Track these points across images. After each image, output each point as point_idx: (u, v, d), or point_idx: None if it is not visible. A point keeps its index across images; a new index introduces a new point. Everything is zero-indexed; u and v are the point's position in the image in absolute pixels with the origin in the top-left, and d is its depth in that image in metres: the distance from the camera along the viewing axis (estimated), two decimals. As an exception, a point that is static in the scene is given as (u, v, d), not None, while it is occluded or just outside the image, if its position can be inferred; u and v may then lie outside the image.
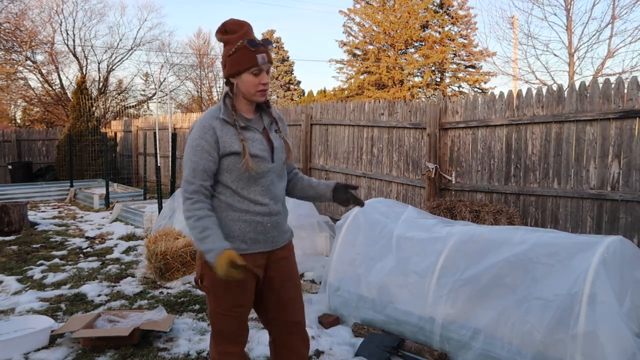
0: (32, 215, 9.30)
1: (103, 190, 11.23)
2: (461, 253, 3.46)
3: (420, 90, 26.03)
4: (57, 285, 5.22)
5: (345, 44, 27.26)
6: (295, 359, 2.37)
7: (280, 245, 2.31)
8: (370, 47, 26.65)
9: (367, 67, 26.30)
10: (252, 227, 2.18)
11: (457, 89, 27.14)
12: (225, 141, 2.12)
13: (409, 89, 25.48)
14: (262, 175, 2.18)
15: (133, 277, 5.51)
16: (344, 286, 4.07)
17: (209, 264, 2.07)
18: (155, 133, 9.76)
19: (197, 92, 29.04)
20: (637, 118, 4.23)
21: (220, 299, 2.19)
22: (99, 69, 22.92)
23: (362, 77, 26.86)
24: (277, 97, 33.02)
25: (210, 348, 2.32)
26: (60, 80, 21.86)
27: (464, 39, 26.49)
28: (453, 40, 26.16)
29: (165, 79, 20.39)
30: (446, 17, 26.15)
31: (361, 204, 2.39)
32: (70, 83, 22.26)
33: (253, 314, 2.41)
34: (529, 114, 5.02)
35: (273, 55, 33.12)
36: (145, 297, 4.82)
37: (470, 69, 26.74)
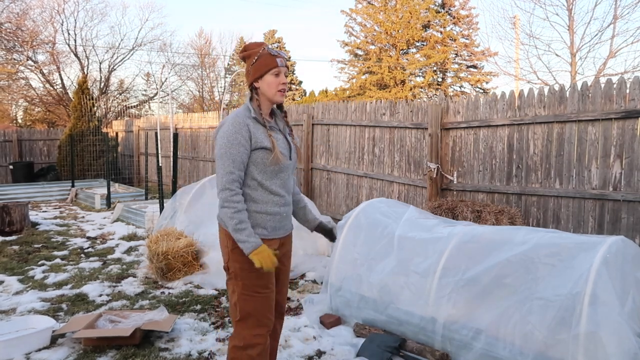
0: (33, 215, 9.32)
1: (104, 190, 11.23)
2: (463, 253, 3.46)
3: (422, 90, 26.03)
4: (59, 285, 5.22)
5: (346, 44, 27.27)
6: (274, 341, 2.71)
7: (289, 232, 2.67)
8: (372, 47, 26.66)
9: (368, 67, 26.31)
10: (271, 217, 2.50)
11: (458, 89, 27.14)
12: (258, 137, 2.43)
13: (411, 89, 25.49)
14: (282, 170, 2.51)
15: (134, 277, 5.51)
16: (345, 286, 4.07)
17: (238, 252, 2.39)
18: (156, 133, 9.75)
19: (199, 92, 29.02)
20: (639, 118, 4.22)
21: (248, 281, 2.43)
22: (100, 69, 22.92)
23: (363, 77, 26.87)
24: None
25: (232, 338, 2.49)
26: (62, 80, 21.87)
27: (466, 39, 26.49)
28: (455, 40, 26.16)
29: (166, 79, 20.42)
30: (448, 17, 26.15)
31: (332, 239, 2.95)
32: (72, 83, 22.26)
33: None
34: (530, 114, 5.01)
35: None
36: (147, 297, 4.82)
37: (472, 69, 26.74)
